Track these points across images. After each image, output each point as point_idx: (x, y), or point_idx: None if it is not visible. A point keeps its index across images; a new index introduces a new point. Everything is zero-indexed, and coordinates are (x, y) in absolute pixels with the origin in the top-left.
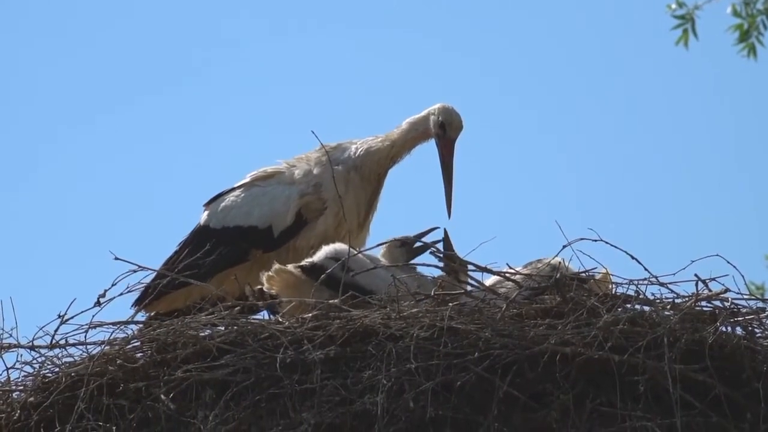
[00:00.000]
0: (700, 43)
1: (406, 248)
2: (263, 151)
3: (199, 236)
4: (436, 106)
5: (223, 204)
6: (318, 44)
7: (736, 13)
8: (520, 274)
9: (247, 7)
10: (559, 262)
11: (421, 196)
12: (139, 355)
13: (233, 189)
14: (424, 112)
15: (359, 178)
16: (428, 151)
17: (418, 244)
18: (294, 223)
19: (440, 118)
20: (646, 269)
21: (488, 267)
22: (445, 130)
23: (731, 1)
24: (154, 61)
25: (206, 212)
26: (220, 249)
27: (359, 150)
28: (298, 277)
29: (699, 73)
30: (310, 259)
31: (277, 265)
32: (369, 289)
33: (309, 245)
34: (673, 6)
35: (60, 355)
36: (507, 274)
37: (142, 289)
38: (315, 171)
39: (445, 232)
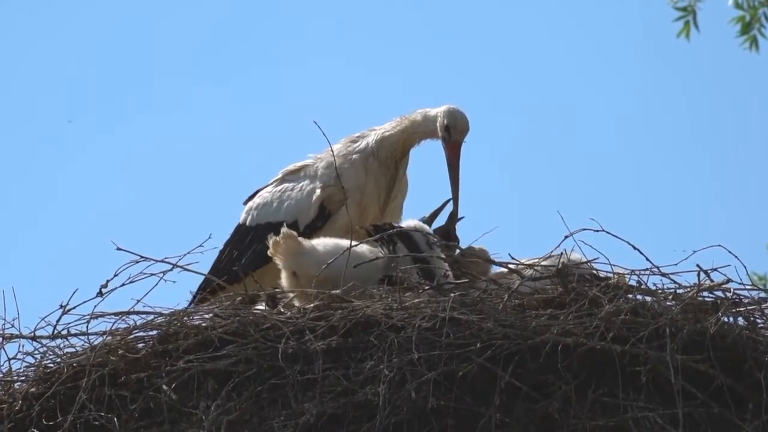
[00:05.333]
0: (701, 36)
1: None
2: (265, 148)
3: (238, 234)
4: (443, 108)
5: (257, 201)
6: (339, 45)
7: (737, 5)
8: (523, 264)
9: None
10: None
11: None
12: (140, 345)
13: (267, 185)
14: (434, 111)
15: (377, 164)
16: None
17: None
18: (317, 215)
19: (445, 121)
20: (647, 259)
21: (491, 258)
22: (450, 134)
23: None
24: (165, 61)
25: (244, 210)
26: (254, 246)
27: (377, 136)
28: (303, 246)
29: (701, 65)
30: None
31: (285, 229)
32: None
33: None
34: None
35: (62, 346)
36: (509, 265)
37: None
38: (336, 162)
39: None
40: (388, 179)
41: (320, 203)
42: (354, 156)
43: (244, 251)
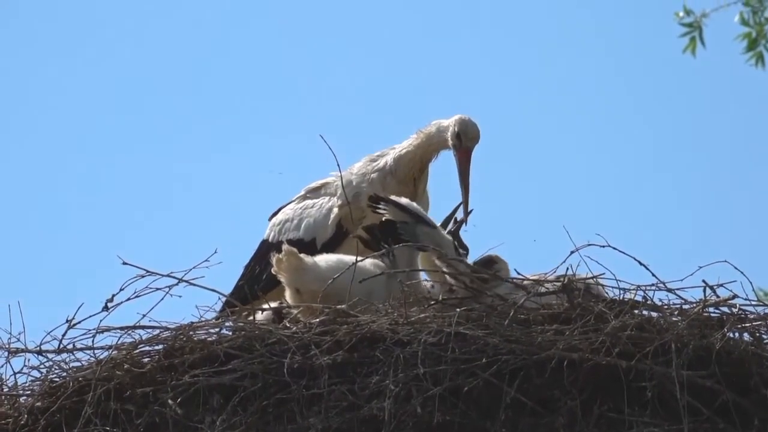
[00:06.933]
0: (707, 52)
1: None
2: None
3: (262, 250)
4: (455, 117)
5: (280, 217)
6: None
7: (744, 22)
8: (531, 279)
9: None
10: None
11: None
12: (146, 359)
13: (290, 202)
14: (446, 122)
15: (396, 182)
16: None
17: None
18: (335, 234)
19: (456, 129)
20: (653, 275)
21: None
22: (461, 141)
23: (739, 10)
24: (163, 64)
25: (268, 226)
26: None
27: (394, 154)
28: (305, 262)
29: (706, 81)
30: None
31: (287, 246)
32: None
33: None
34: (681, 14)
35: (67, 360)
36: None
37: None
38: (355, 182)
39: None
40: (407, 196)
41: (338, 222)
42: (372, 175)
43: (266, 268)
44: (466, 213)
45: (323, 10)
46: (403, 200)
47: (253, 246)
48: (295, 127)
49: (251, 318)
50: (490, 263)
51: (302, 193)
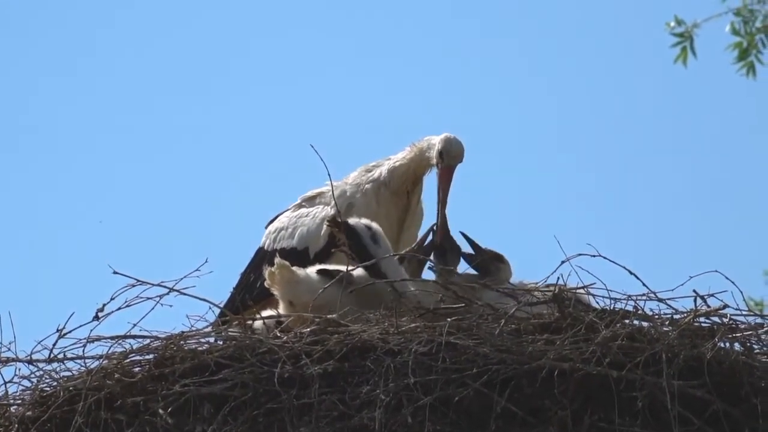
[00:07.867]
0: (698, 62)
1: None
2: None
3: (257, 258)
4: (442, 135)
5: (274, 226)
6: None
7: (735, 32)
8: (521, 289)
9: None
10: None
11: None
12: (137, 369)
13: (286, 210)
14: (435, 139)
15: (389, 193)
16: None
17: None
18: (327, 244)
19: (439, 146)
20: (644, 285)
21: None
22: (443, 159)
23: (730, 20)
24: (159, 69)
25: (265, 234)
26: None
27: (389, 166)
28: (297, 275)
29: (698, 91)
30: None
31: (279, 259)
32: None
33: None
34: (672, 24)
35: (58, 369)
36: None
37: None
38: (348, 192)
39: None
40: (401, 209)
41: (330, 231)
42: (367, 186)
43: (260, 276)
44: (441, 232)
45: (323, 13)
46: (360, 225)
47: (248, 255)
48: (294, 133)
49: (249, 323)
50: (497, 260)
51: (298, 201)
